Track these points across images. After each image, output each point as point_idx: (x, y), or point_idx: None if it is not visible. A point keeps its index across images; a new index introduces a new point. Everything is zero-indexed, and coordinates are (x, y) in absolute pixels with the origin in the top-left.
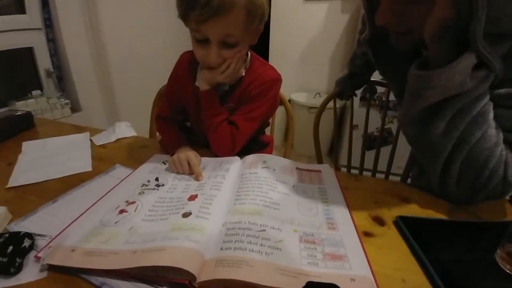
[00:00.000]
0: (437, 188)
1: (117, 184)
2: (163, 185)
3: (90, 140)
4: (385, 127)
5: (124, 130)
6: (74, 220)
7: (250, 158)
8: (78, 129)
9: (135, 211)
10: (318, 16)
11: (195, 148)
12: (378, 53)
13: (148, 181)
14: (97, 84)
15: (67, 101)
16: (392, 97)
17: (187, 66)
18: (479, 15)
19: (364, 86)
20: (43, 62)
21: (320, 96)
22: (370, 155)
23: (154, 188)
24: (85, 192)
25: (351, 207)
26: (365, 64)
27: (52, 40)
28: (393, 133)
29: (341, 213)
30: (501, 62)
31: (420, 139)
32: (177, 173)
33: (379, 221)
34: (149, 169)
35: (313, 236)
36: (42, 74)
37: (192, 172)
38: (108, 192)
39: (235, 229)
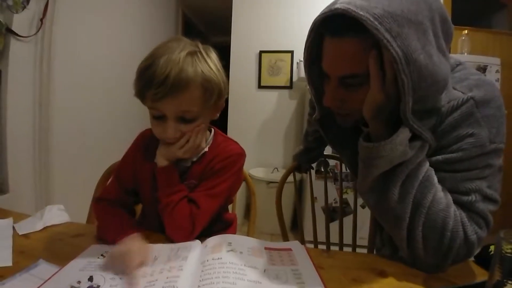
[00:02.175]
0: (407, 255)
1: None
2: (98, 287)
3: (13, 227)
4: (342, 198)
5: (55, 215)
6: None
7: (213, 240)
8: (2, 214)
9: None
10: (271, 101)
11: (146, 234)
12: (328, 130)
13: (79, 282)
14: (32, 162)
15: None
16: (344, 168)
17: (146, 144)
18: (406, 98)
19: (319, 159)
20: None
21: (278, 170)
22: (332, 226)
23: None
24: None
25: None
26: (317, 139)
27: None
28: (350, 203)
29: None
30: (431, 133)
31: (380, 206)
32: (114, 272)
33: None
34: (81, 266)
35: None
36: None
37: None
38: None
39: None
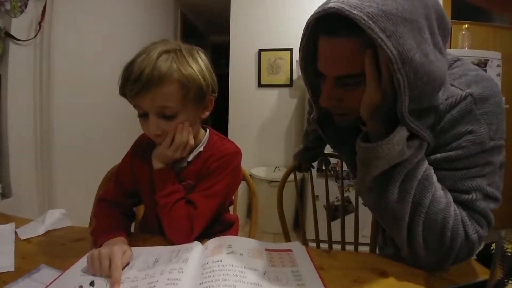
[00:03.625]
0: (408, 255)
1: None
2: None
3: (16, 232)
4: (344, 196)
5: (56, 219)
6: None
7: (213, 242)
8: (5, 219)
9: None
10: (271, 99)
11: (146, 237)
12: (326, 129)
13: (80, 287)
14: (34, 166)
15: None
16: (345, 167)
17: (144, 146)
18: (402, 98)
19: (319, 158)
20: None
21: (279, 169)
22: (334, 225)
23: None
24: None
25: None
26: (317, 138)
27: None
28: (351, 201)
29: None
30: (430, 132)
31: (379, 206)
32: (93, 274)
33: None
34: (83, 270)
35: None
36: None
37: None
38: None
39: None
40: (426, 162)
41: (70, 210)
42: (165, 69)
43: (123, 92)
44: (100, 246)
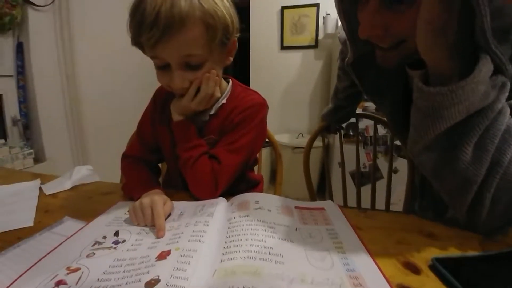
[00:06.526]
0: (463, 219)
1: (61, 243)
2: (123, 241)
3: (40, 188)
4: (371, 163)
5: (84, 175)
6: None
7: (239, 198)
8: (34, 177)
9: (77, 282)
10: (294, 62)
11: (170, 192)
12: (364, 77)
13: (104, 238)
14: (67, 132)
15: (31, 150)
16: (377, 132)
17: (164, 99)
18: (482, 9)
19: (347, 122)
20: (11, 109)
21: (303, 136)
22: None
23: (111, 247)
24: (20, 255)
25: (372, 251)
26: (348, 97)
27: (22, 87)
28: (379, 168)
29: (362, 262)
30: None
31: (443, 169)
32: (138, 224)
33: (412, 268)
34: (108, 221)
35: None
36: (8, 122)
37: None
38: (47, 254)
39: None
40: (509, 109)
41: (106, 168)
42: (186, 6)
43: (138, 42)
44: (138, 199)
